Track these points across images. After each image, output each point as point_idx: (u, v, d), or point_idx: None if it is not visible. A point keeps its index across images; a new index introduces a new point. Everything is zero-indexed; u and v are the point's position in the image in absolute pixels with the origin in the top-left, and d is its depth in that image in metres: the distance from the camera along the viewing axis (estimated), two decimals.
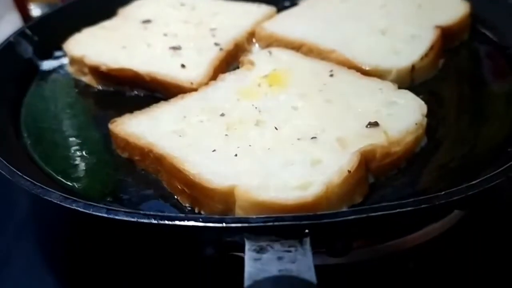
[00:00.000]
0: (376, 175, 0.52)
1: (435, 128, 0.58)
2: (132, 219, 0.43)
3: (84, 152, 0.60)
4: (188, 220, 0.43)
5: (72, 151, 0.60)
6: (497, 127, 0.59)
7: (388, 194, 0.51)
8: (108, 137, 0.60)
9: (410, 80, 0.66)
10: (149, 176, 0.56)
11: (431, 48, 0.67)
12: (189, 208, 0.51)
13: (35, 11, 1.15)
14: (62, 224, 0.58)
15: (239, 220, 0.43)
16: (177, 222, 0.43)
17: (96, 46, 0.72)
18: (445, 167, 0.54)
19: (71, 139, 0.62)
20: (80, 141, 0.62)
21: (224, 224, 0.42)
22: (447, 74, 0.69)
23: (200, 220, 0.43)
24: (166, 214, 0.43)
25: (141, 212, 0.44)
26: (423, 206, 0.43)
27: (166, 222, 0.43)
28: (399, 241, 0.54)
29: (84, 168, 0.58)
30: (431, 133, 0.57)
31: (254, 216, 0.43)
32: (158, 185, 0.55)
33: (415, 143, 0.55)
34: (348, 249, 0.48)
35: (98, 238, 0.55)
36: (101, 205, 0.45)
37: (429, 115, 0.57)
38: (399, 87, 0.61)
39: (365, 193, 0.51)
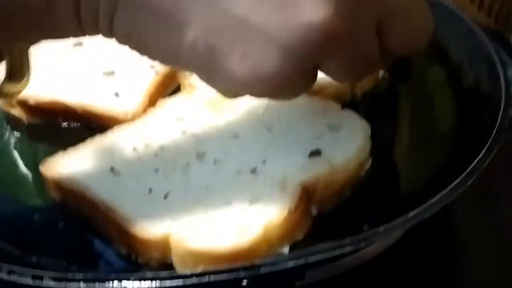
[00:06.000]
0: (319, 207, 0.51)
1: (379, 147, 0.56)
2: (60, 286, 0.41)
3: (14, 196, 0.57)
4: (119, 281, 0.41)
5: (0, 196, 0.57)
6: (438, 146, 0.58)
7: (331, 227, 0.50)
8: (39, 177, 0.56)
9: (351, 94, 0.64)
10: (84, 220, 0.53)
11: None
12: (127, 254, 0.49)
13: None
14: None
15: (172, 277, 0.41)
16: (107, 284, 0.41)
17: None
18: (386, 194, 0.54)
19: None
20: (10, 184, 0.59)
21: (157, 284, 0.40)
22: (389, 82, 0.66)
23: (132, 279, 0.41)
24: (94, 275, 0.41)
25: (69, 275, 0.42)
26: (362, 245, 0.43)
27: (97, 284, 0.41)
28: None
29: (14, 216, 0.55)
30: (375, 153, 0.55)
31: (189, 272, 0.41)
32: (93, 230, 0.52)
33: (360, 168, 0.54)
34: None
35: None
36: (27, 269, 0.42)
37: (372, 133, 0.56)
38: (341, 103, 0.59)
39: (307, 228, 0.49)
